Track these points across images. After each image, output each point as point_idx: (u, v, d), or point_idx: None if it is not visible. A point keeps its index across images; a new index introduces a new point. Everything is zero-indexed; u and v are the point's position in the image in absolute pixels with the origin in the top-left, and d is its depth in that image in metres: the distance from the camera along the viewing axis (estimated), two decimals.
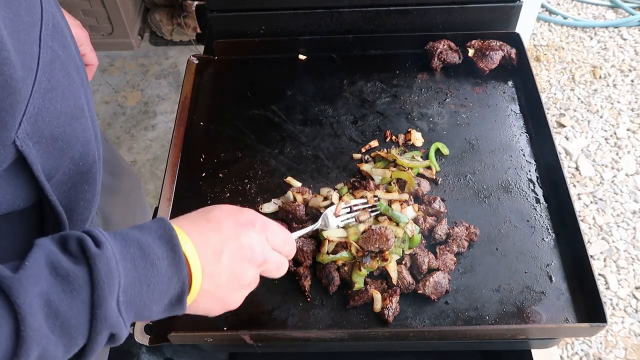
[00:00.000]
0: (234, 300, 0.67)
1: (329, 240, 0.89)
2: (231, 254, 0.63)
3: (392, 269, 0.86)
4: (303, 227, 0.92)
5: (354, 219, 0.91)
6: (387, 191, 0.95)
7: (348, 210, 0.92)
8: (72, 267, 0.51)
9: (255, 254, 0.65)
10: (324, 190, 0.99)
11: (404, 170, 0.99)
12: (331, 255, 0.88)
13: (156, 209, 0.97)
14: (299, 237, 0.87)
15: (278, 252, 0.70)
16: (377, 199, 0.93)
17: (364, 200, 0.93)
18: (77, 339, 0.52)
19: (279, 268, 0.70)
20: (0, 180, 0.56)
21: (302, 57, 1.22)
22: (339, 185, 1.00)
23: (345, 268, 0.88)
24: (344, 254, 0.87)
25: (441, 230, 0.92)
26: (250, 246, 0.65)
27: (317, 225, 0.89)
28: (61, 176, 0.64)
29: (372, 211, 0.92)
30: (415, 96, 1.17)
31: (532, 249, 0.92)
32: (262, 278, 0.71)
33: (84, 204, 0.71)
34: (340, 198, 0.95)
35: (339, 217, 0.91)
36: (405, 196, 0.95)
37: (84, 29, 1.02)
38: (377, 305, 0.84)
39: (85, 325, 0.51)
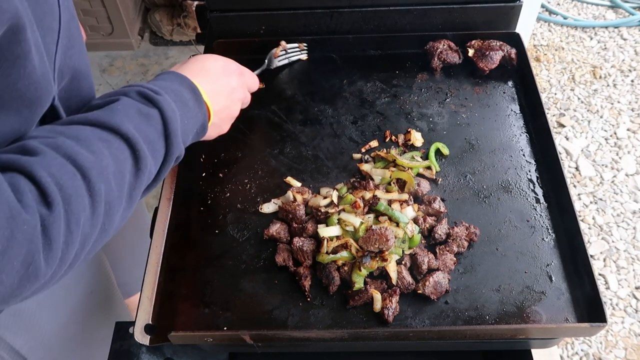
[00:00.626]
0: (226, 127, 0.96)
1: (328, 240, 0.89)
2: (226, 95, 0.90)
3: (392, 269, 0.86)
4: (304, 227, 0.92)
5: (287, 60, 1.20)
6: (387, 191, 0.95)
7: (284, 53, 1.19)
8: (149, 109, 0.70)
9: (240, 94, 0.96)
10: (324, 190, 0.99)
11: (404, 170, 0.99)
12: (331, 255, 0.88)
13: (156, 209, 0.97)
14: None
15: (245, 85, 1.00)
16: (375, 197, 0.94)
17: (296, 45, 1.21)
18: (160, 160, 0.71)
19: (247, 101, 1.03)
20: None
21: (303, 57, 1.24)
22: (339, 185, 1.00)
23: (345, 268, 0.88)
24: (344, 254, 0.88)
25: (441, 230, 0.92)
26: (237, 88, 0.94)
27: (263, 66, 1.17)
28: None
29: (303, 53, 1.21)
30: (415, 96, 1.17)
31: (532, 249, 0.92)
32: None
33: None
34: (339, 198, 0.95)
35: (279, 57, 1.19)
36: (405, 196, 0.95)
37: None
38: (377, 305, 0.84)
39: (163, 149, 0.71)
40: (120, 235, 1.16)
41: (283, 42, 1.20)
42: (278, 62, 1.20)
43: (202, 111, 0.81)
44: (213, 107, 0.85)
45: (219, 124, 0.92)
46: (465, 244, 0.91)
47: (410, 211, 0.93)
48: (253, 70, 1.07)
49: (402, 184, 0.98)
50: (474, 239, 0.92)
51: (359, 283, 0.86)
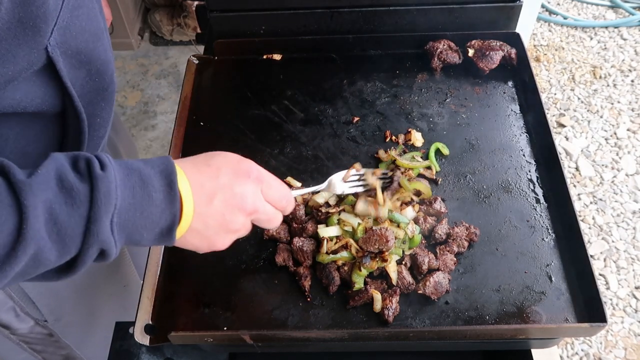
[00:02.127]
0: (221, 242, 0.71)
1: (328, 240, 0.89)
2: (223, 200, 0.68)
3: (392, 269, 0.86)
4: (304, 227, 0.92)
5: (361, 187, 0.91)
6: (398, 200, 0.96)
7: (357, 177, 0.92)
8: (77, 183, 0.57)
9: (246, 203, 0.69)
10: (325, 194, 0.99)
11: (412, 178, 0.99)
12: (331, 255, 0.88)
13: None
14: (300, 195, 0.90)
15: (272, 205, 0.74)
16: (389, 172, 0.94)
17: (372, 170, 0.94)
18: (70, 247, 0.57)
19: (269, 220, 0.75)
20: (31, 82, 0.64)
21: (277, 57, 1.23)
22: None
23: (345, 268, 0.88)
24: (344, 254, 0.88)
25: (441, 230, 0.92)
26: (242, 195, 0.69)
27: (322, 186, 0.89)
28: (79, 89, 0.70)
29: (381, 179, 0.92)
30: (415, 96, 1.17)
31: (532, 249, 0.92)
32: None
33: (100, 122, 0.77)
34: (339, 199, 0.95)
35: (347, 182, 0.91)
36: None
37: None
38: (377, 306, 0.84)
39: (79, 236, 0.57)
40: None
41: (357, 165, 0.94)
42: (347, 189, 0.91)
43: (171, 208, 0.62)
44: (197, 208, 0.66)
45: (205, 233, 0.69)
46: (466, 244, 0.91)
47: (410, 211, 0.93)
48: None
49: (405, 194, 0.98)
50: (474, 239, 0.92)
51: (359, 283, 0.86)
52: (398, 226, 0.89)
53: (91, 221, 0.56)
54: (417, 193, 0.97)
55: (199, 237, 0.69)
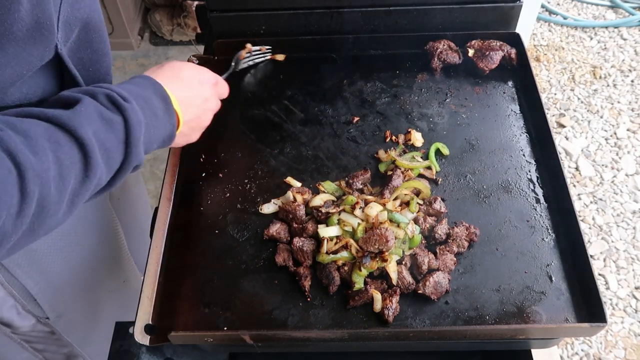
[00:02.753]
0: (196, 137, 0.94)
1: (328, 240, 0.89)
2: (198, 105, 0.89)
3: (392, 269, 0.86)
4: (304, 227, 0.92)
5: (252, 62, 1.22)
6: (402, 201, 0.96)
7: (248, 55, 1.21)
8: (113, 115, 0.68)
9: (212, 104, 0.95)
10: (324, 195, 0.99)
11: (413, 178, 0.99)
12: (331, 255, 0.88)
13: (156, 209, 0.97)
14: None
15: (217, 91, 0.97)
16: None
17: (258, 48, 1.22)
18: (115, 168, 0.69)
19: (218, 109, 0.99)
20: (37, 75, 0.70)
21: (280, 57, 1.25)
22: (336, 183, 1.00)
23: (345, 268, 0.88)
24: (344, 254, 0.87)
25: (441, 230, 0.92)
26: (209, 99, 0.93)
27: (230, 70, 1.17)
28: (83, 71, 0.79)
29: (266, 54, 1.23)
30: (415, 96, 1.17)
31: (532, 249, 0.92)
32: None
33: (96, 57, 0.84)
34: (339, 199, 0.95)
35: (244, 59, 1.21)
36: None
37: None
38: (377, 306, 0.84)
39: (121, 157, 0.69)
40: (129, 208, 1.20)
41: (249, 45, 1.23)
42: (243, 64, 1.22)
43: (171, 121, 0.79)
44: (184, 116, 0.84)
45: (188, 133, 0.90)
46: (465, 244, 0.91)
47: (409, 211, 0.93)
48: (220, 74, 1.06)
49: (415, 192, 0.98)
50: (474, 239, 0.92)
51: (359, 283, 0.86)
52: (398, 226, 0.89)
53: (131, 145, 0.69)
54: (417, 193, 0.98)
55: (182, 137, 0.88)
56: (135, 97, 0.72)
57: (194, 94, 0.87)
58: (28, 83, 0.70)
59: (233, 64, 1.19)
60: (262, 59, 1.25)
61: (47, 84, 0.74)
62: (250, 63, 1.23)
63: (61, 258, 0.94)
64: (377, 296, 0.85)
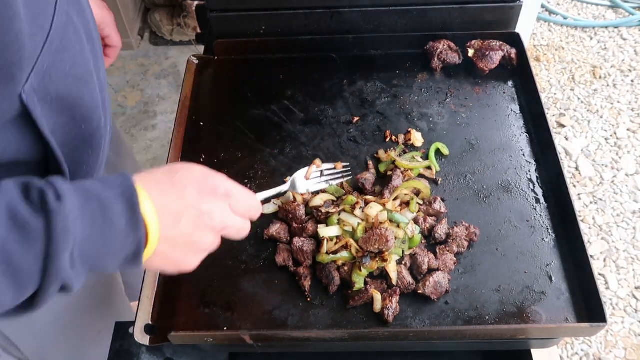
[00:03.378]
0: (188, 263, 0.67)
1: (328, 240, 0.89)
2: (190, 220, 0.64)
3: (392, 269, 0.86)
4: (304, 227, 0.92)
5: (324, 183, 0.94)
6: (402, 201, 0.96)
7: (319, 174, 0.93)
8: (31, 217, 0.51)
9: (214, 222, 0.66)
10: (324, 195, 0.99)
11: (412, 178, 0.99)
12: (331, 255, 0.88)
13: None
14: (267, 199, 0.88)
15: (240, 217, 0.71)
16: (348, 168, 0.95)
17: (332, 165, 0.95)
18: (27, 287, 0.53)
19: (239, 232, 0.71)
20: (5, 130, 0.58)
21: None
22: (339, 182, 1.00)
23: (345, 268, 0.88)
24: (344, 254, 0.87)
25: (441, 230, 0.92)
26: (210, 214, 0.65)
27: (285, 187, 0.90)
28: (62, 135, 0.65)
29: (344, 176, 0.97)
30: (415, 96, 1.17)
31: (532, 249, 0.92)
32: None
33: (86, 169, 0.72)
34: (339, 199, 0.95)
35: (310, 180, 0.93)
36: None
37: (110, 11, 1.05)
38: (377, 306, 0.84)
39: (37, 274, 0.52)
40: None
41: (318, 161, 0.95)
42: (311, 187, 0.93)
43: (135, 234, 0.58)
44: (163, 230, 0.61)
45: (172, 256, 0.65)
46: (465, 244, 0.91)
47: (409, 211, 0.93)
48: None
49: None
50: (474, 239, 0.92)
51: (359, 283, 0.86)
52: (398, 226, 0.89)
53: (49, 258, 0.52)
54: (417, 193, 0.98)
55: (166, 260, 0.65)
56: (81, 197, 0.55)
57: (186, 203, 0.63)
58: None
59: (289, 183, 0.93)
60: (335, 180, 0.98)
61: (21, 142, 0.61)
62: (318, 187, 0.95)
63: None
64: (377, 296, 0.84)
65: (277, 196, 0.89)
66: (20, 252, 0.50)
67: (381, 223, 0.88)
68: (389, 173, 1.00)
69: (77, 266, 0.55)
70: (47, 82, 0.59)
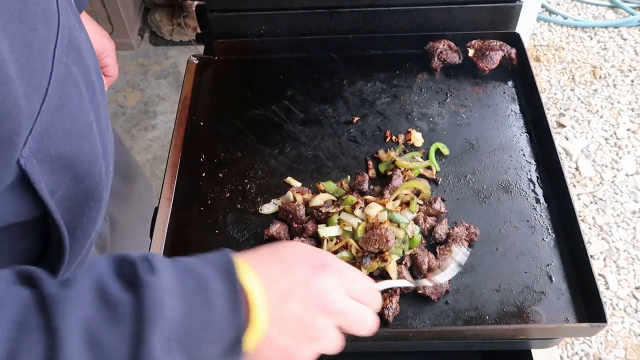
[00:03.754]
0: (302, 354, 0.57)
1: (328, 240, 0.89)
2: (301, 298, 0.55)
3: (392, 269, 0.86)
4: (304, 227, 0.92)
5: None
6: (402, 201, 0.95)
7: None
8: (120, 293, 0.47)
9: (328, 302, 0.56)
10: (324, 195, 0.99)
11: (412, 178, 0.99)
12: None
13: (156, 209, 0.97)
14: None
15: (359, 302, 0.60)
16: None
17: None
18: None
19: (359, 320, 0.60)
20: (2, 197, 0.54)
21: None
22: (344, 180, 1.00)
23: None
24: (344, 254, 0.87)
25: (441, 230, 0.92)
26: (323, 292, 0.56)
27: (406, 283, 0.84)
28: (63, 192, 0.62)
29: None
30: (415, 96, 1.17)
31: (532, 249, 0.92)
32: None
33: (87, 221, 0.70)
34: (339, 199, 0.95)
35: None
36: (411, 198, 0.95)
37: (111, 40, 1.02)
38: None
39: (125, 356, 0.46)
40: (123, 236, 1.15)
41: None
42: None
43: (236, 317, 0.51)
44: (272, 312, 0.53)
45: (283, 343, 0.55)
46: (465, 244, 0.91)
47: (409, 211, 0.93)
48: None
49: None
50: (474, 239, 0.92)
51: None
52: (398, 226, 0.89)
53: (139, 339, 0.46)
54: (417, 193, 0.98)
55: (275, 349, 0.55)
56: (177, 271, 0.50)
57: (294, 281, 0.56)
58: None
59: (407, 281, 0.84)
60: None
61: (20, 207, 0.57)
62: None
63: None
64: None
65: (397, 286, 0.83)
66: (108, 333, 0.46)
67: (381, 223, 0.88)
68: (389, 173, 1.00)
69: (172, 351, 0.48)
70: (46, 143, 0.54)
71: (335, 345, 0.59)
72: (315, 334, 0.56)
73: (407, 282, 0.83)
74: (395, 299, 0.84)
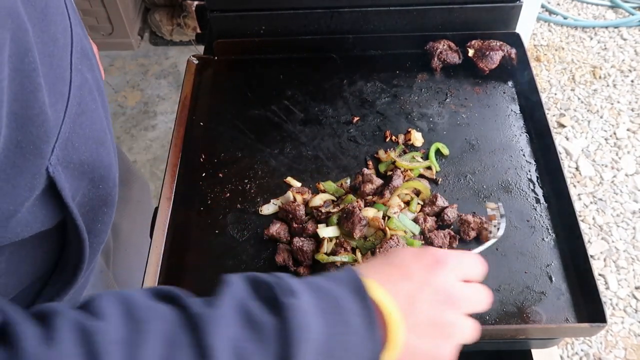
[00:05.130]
0: (443, 351, 0.57)
1: (328, 240, 0.89)
2: (427, 300, 0.56)
3: None
4: (304, 227, 0.92)
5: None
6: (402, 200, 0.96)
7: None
8: (264, 315, 0.48)
9: (452, 295, 0.58)
10: (323, 195, 0.99)
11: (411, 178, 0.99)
12: (330, 257, 0.87)
13: (156, 209, 0.97)
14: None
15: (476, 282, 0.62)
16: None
17: None
18: None
19: (480, 299, 0.62)
20: (32, 209, 0.55)
21: None
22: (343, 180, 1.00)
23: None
24: (343, 258, 0.87)
25: (451, 213, 0.93)
26: (444, 288, 0.58)
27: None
28: (81, 198, 0.63)
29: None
30: (415, 96, 1.17)
31: (532, 249, 0.92)
32: None
33: (101, 227, 0.71)
34: (339, 198, 0.95)
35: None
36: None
37: (93, 43, 1.02)
38: None
39: None
40: (122, 237, 1.16)
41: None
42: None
43: (373, 335, 0.51)
44: (405, 320, 0.54)
45: (423, 346, 0.56)
46: (472, 234, 0.91)
47: (395, 200, 0.94)
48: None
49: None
50: (483, 233, 0.91)
51: None
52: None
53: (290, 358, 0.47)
54: (417, 193, 0.98)
55: (417, 354, 0.55)
56: (312, 292, 0.51)
57: (416, 284, 0.56)
58: (23, 220, 0.55)
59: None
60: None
61: (46, 217, 0.58)
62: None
63: None
64: None
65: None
66: (257, 354, 0.46)
67: (392, 235, 0.87)
68: (389, 173, 1.00)
69: None
70: (69, 150, 0.57)
71: (471, 333, 0.61)
72: (450, 330, 0.58)
73: (491, 242, 0.87)
74: None
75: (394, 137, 1.08)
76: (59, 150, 0.54)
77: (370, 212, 0.90)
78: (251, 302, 0.49)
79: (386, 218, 0.90)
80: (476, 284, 0.62)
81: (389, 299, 0.53)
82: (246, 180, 1.03)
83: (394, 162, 1.01)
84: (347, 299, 0.51)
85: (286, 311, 0.48)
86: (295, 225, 0.94)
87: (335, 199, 0.97)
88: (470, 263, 0.63)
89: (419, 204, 0.95)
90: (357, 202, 0.92)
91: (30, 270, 0.65)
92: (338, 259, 0.87)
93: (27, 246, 0.61)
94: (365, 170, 0.99)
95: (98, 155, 0.63)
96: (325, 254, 0.88)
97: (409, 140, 1.07)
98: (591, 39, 2.78)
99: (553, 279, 0.88)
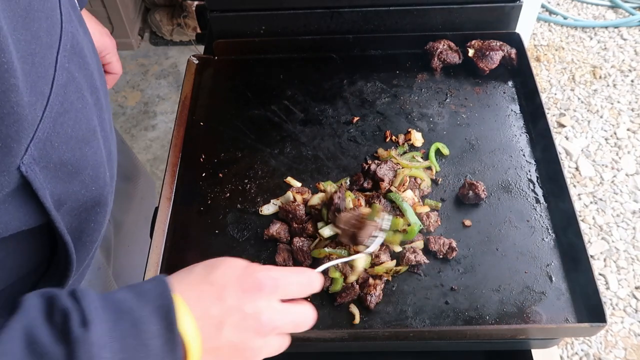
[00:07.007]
0: (245, 354, 0.59)
1: (324, 239, 0.89)
2: (233, 325, 0.56)
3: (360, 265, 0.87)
4: (304, 227, 0.92)
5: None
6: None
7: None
8: (51, 345, 0.46)
9: (261, 324, 0.58)
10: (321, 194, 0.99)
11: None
12: (327, 249, 0.87)
13: (156, 209, 0.97)
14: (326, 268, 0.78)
15: (297, 302, 0.63)
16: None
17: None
18: None
19: (299, 323, 0.62)
20: (5, 204, 0.54)
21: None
22: (342, 181, 1.00)
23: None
24: (339, 251, 0.87)
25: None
26: (255, 315, 0.57)
27: (359, 255, 0.84)
28: (73, 202, 0.63)
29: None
30: (415, 96, 1.17)
31: (532, 249, 0.92)
32: None
33: (94, 226, 0.70)
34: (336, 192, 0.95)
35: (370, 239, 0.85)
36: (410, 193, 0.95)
37: (112, 38, 1.03)
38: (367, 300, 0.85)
39: None
40: (127, 236, 1.16)
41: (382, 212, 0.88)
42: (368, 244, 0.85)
43: (174, 354, 0.52)
44: (205, 343, 0.55)
45: None
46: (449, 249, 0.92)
47: (409, 193, 0.94)
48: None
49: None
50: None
51: (338, 282, 0.86)
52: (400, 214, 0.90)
53: None
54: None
55: None
56: (111, 317, 0.50)
57: (226, 308, 0.56)
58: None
59: (366, 247, 0.83)
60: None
61: (25, 215, 0.57)
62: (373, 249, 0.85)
63: None
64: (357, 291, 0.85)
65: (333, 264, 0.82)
66: None
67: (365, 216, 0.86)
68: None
69: None
70: (48, 150, 0.55)
71: (278, 350, 0.62)
72: (250, 355, 0.58)
73: (350, 258, 0.82)
74: (380, 286, 0.85)
75: (394, 137, 1.08)
76: (34, 149, 0.53)
77: (349, 200, 0.90)
78: (41, 329, 0.47)
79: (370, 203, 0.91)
80: (299, 304, 0.62)
81: (193, 325, 0.53)
82: (246, 180, 1.03)
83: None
84: (149, 321, 0.51)
85: (74, 343, 0.46)
86: (295, 225, 0.94)
87: None
88: (296, 283, 0.62)
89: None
90: (359, 199, 0.92)
91: (16, 265, 0.64)
92: (333, 251, 0.87)
93: (13, 246, 0.61)
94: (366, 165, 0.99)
95: (83, 155, 0.62)
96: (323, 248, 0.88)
97: (409, 140, 1.07)
98: (591, 39, 2.78)
99: (553, 279, 0.88)
